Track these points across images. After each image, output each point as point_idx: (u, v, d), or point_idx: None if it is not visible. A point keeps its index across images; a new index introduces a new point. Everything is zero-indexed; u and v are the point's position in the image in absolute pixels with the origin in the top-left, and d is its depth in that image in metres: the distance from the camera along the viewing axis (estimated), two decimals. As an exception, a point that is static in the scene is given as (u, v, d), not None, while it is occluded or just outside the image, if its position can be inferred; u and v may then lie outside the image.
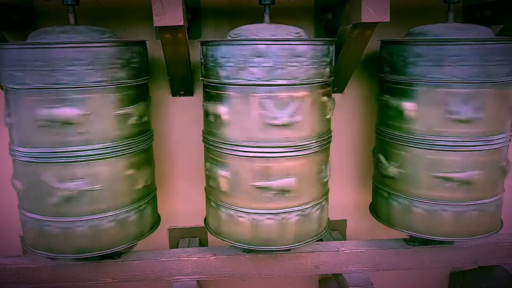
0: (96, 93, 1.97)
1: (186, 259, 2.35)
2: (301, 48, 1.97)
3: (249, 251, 2.33)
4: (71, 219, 2.05)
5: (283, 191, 2.08)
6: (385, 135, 2.34)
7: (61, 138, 1.97)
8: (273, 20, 2.19)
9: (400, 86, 2.22)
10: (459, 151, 2.14)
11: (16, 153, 2.05)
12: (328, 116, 2.18)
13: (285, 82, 1.97)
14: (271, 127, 2.01)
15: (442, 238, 2.29)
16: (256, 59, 1.94)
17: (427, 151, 2.18)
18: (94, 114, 1.98)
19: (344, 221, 2.96)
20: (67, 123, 1.95)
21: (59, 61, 1.88)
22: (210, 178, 2.22)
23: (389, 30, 2.47)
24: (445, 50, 2.05)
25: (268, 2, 2.16)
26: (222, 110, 2.06)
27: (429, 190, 2.22)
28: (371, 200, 2.63)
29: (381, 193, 2.44)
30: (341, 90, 2.66)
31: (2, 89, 2.08)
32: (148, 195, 2.29)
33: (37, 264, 2.28)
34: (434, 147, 2.15)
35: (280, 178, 2.07)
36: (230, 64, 1.98)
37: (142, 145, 2.20)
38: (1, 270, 2.27)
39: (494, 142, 2.17)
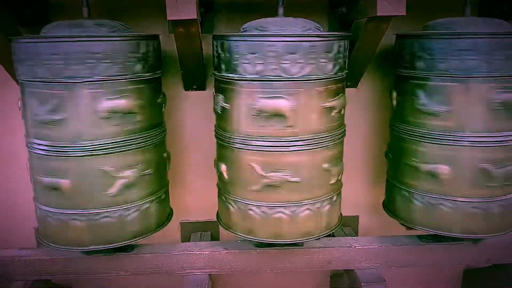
0: (110, 87, 1.98)
1: (198, 252, 2.36)
2: (320, 43, 1.96)
3: (260, 245, 2.33)
4: (92, 211, 2.08)
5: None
6: (399, 130, 2.32)
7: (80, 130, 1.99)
8: (286, 14, 2.18)
9: (413, 81, 2.19)
10: (476, 147, 2.11)
11: (33, 146, 2.07)
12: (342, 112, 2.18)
13: (302, 77, 1.96)
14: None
15: (456, 235, 2.26)
16: (277, 55, 1.93)
17: (443, 146, 2.15)
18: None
19: (357, 217, 2.95)
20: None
21: (74, 54, 1.89)
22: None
23: (404, 24, 2.43)
24: (460, 44, 2.02)
25: (281, -5, 2.15)
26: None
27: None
28: (383, 197, 2.61)
29: (398, 190, 2.41)
30: (355, 85, 2.64)
31: (18, 82, 2.10)
32: (162, 189, 2.30)
33: (51, 256, 2.31)
34: (450, 142, 2.13)
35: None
36: (248, 59, 1.96)
37: (157, 138, 2.21)
38: (16, 262, 2.31)
39: (509, 139, 2.13)
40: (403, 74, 2.26)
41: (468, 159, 2.13)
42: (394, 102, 2.37)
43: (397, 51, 2.32)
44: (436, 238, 2.39)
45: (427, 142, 2.19)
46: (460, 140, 2.11)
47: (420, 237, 2.45)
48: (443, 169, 2.17)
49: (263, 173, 2.07)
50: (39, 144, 2.03)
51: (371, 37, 2.17)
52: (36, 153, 2.06)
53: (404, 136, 2.30)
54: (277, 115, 2.00)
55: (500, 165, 2.15)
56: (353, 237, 2.52)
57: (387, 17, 1.96)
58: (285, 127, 2.02)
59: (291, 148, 2.04)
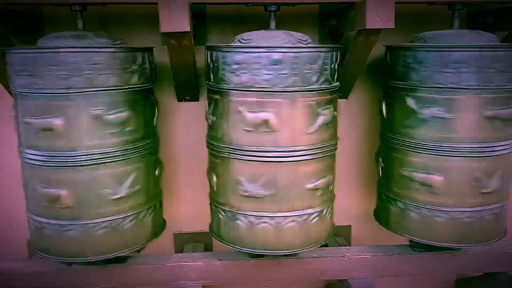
0: (106, 98, 2.00)
1: (191, 264, 2.35)
2: (311, 55, 1.99)
3: (254, 256, 2.33)
4: (81, 222, 2.07)
5: None
6: (388, 140, 2.35)
7: (71, 142, 1.99)
8: (278, 26, 2.21)
9: (404, 92, 2.22)
10: (463, 157, 2.14)
11: (26, 156, 2.07)
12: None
13: (295, 88, 1.99)
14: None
15: (447, 245, 2.29)
16: (270, 66, 1.96)
17: (431, 156, 2.18)
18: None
19: (349, 227, 2.96)
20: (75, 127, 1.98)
21: (69, 65, 1.91)
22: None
23: (393, 36, 2.47)
24: (449, 56, 2.06)
25: (273, 9, 2.19)
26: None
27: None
28: (375, 206, 2.63)
29: (388, 199, 2.43)
30: (345, 96, 2.67)
31: (11, 94, 2.10)
32: (155, 199, 2.31)
33: (44, 268, 2.29)
34: (438, 152, 2.16)
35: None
36: (242, 70, 1.99)
37: (149, 149, 2.22)
38: (8, 274, 2.29)
39: (499, 149, 2.17)
40: (392, 84, 2.30)
41: (459, 169, 2.16)
42: (384, 112, 2.40)
43: (386, 62, 2.36)
44: (428, 247, 2.40)
45: (417, 152, 2.22)
46: (451, 151, 2.14)
47: (412, 246, 2.47)
48: (435, 179, 2.19)
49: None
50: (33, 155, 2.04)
51: (361, 49, 2.20)
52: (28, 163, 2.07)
53: (394, 146, 2.33)
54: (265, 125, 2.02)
55: (491, 174, 2.18)
56: (346, 247, 2.53)
57: (376, 30, 2.00)
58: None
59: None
